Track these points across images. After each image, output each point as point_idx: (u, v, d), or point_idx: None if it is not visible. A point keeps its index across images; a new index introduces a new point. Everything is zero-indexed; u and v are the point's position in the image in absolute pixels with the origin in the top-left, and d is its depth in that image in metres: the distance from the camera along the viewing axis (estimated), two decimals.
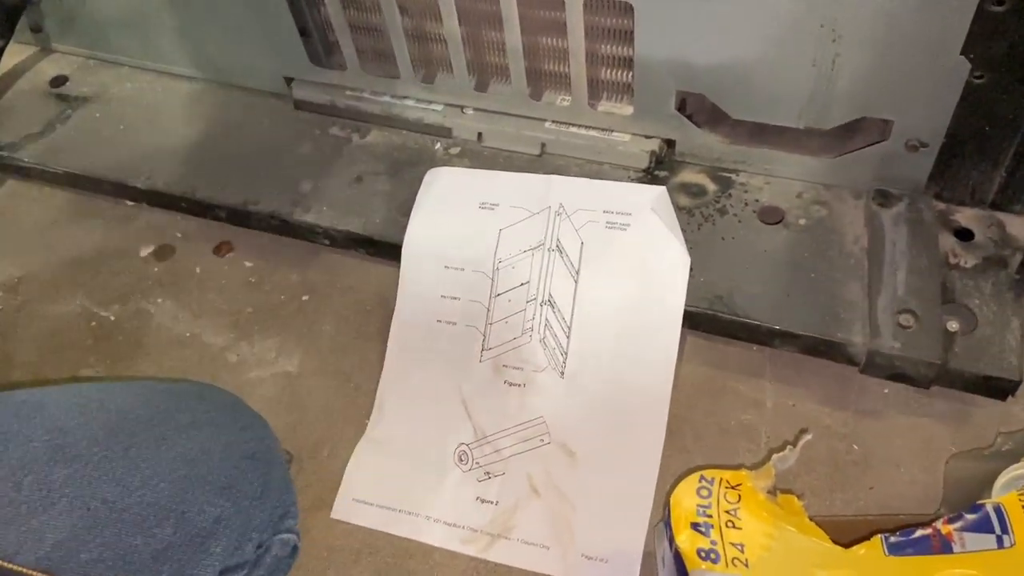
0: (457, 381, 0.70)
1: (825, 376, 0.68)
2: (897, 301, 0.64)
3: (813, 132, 0.68)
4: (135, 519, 0.47)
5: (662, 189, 0.69)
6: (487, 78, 0.79)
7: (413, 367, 0.72)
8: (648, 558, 0.61)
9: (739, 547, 0.50)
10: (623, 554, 0.61)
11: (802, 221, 0.71)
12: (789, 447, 0.52)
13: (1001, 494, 0.52)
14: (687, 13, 0.64)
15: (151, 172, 0.83)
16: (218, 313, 0.79)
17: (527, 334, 0.69)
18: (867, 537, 0.50)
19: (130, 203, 0.86)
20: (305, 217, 0.77)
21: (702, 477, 0.52)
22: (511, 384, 0.69)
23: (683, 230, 0.69)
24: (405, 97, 0.82)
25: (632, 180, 0.75)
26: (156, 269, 0.83)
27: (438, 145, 0.81)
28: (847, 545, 0.51)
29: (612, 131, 0.76)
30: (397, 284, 0.74)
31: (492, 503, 0.66)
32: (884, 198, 0.69)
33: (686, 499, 0.52)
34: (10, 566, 0.43)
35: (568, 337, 0.68)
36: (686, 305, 0.66)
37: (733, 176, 0.74)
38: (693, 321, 0.68)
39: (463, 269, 0.72)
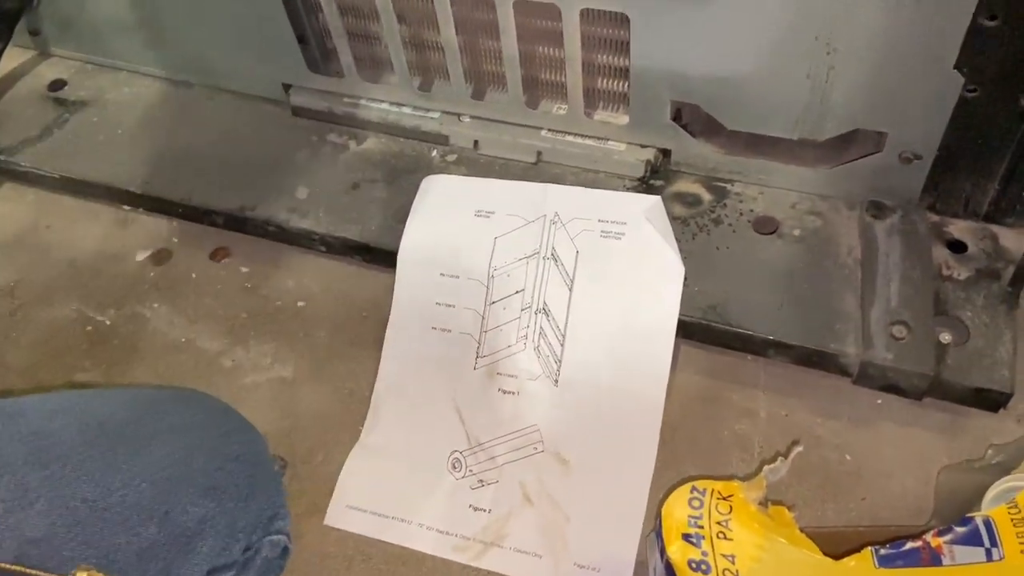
0: (451, 388, 0.70)
1: (819, 386, 0.68)
2: (890, 312, 0.64)
3: (808, 143, 0.69)
4: (117, 518, 0.47)
5: (657, 199, 0.70)
6: (484, 86, 0.79)
7: (408, 374, 0.72)
8: (640, 567, 0.61)
9: (730, 558, 0.51)
10: (615, 563, 0.62)
11: (796, 232, 0.71)
12: (780, 458, 0.52)
13: (991, 507, 0.52)
14: (682, 24, 0.64)
15: (148, 177, 0.83)
16: (214, 318, 0.79)
17: (521, 342, 0.69)
18: (857, 549, 0.50)
19: (127, 208, 0.87)
20: (301, 224, 0.78)
21: (694, 488, 0.53)
22: (505, 392, 0.69)
23: (678, 239, 0.69)
24: (402, 104, 0.82)
25: (628, 189, 0.76)
26: (152, 274, 0.83)
27: (435, 152, 0.81)
28: (838, 557, 0.51)
29: (608, 140, 0.76)
30: (392, 291, 0.74)
31: (485, 511, 0.66)
32: (878, 209, 0.69)
33: (678, 510, 0.52)
34: None
35: (562, 345, 0.68)
36: (680, 314, 0.67)
37: (728, 186, 0.75)
38: (687, 330, 0.68)
39: (458, 276, 0.73)
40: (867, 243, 0.68)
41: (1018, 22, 0.54)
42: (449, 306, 0.72)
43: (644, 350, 0.67)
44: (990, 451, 0.61)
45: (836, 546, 0.51)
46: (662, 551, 0.52)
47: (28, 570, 0.43)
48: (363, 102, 0.83)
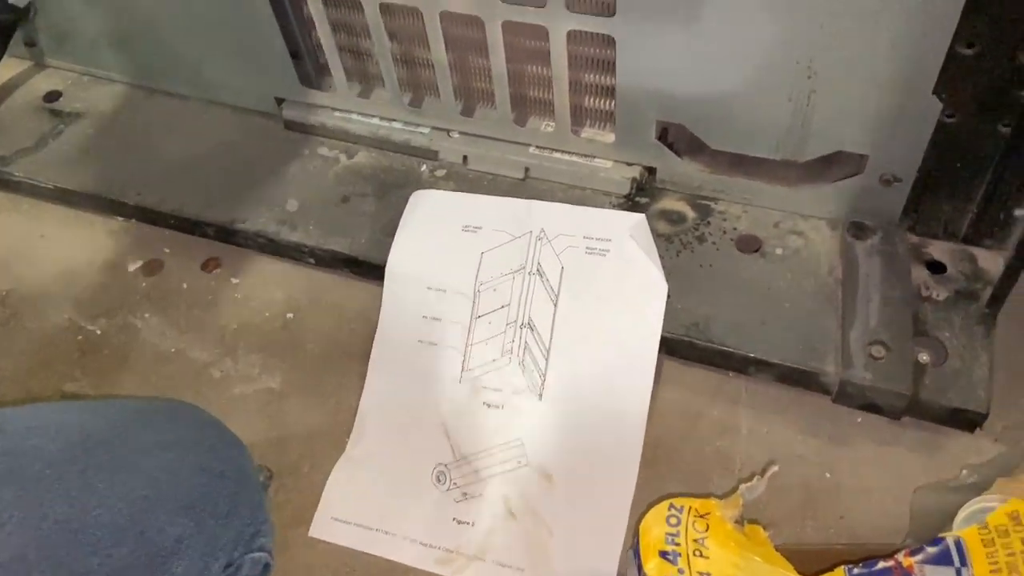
0: (437, 401, 0.71)
1: (799, 404, 0.69)
2: (869, 332, 0.65)
3: (790, 164, 0.70)
4: (90, 539, 0.47)
5: (641, 216, 0.71)
6: (473, 103, 0.80)
7: (394, 386, 0.73)
8: None
9: None
10: None
11: (779, 251, 0.72)
12: (757, 477, 0.53)
13: (962, 527, 0.52)
14: (667, 46, 0.65)
15: (141, 189, 0.84)
16: (204, 329, 0.80)
17: (507, 356, 0.70)
18: (831, 568, 0.51)
19: (119, 218, 0.87)
20: (291, 236, 0.79)
21: (671, 505, 0.53)
22: (490, 406, 0.70)
23: (662, 257, 0.70)
24: (392, 120, 0.83)
25: (614, 206, 0.77)
26: (144, 284, 0.84)
27: (424, 167, 0.82)
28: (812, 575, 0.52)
29: (594, 158, 0.77)
30: (380, 303, 0.75)
31: (469, 524, 0.66)
32: (859, 230, 0.70)
33: (655, 527, 0.53)
34: None
35: (547, 360, 0.69)
36: (664, 331, 0.68)
37: (712, 204, 0.76)
38: (670, 347, 0.69)
39: (445, 290, 0.74)
40: (848, 263, 0.69)
41: (994, 51, 0.55)
42: (435, 319, 0.73)
43: (628, 366, 0.68)
44: (964, 471, 0.62)
45: (810, 564, 0.52)
46: (639, 568, 0.53)
47: None
48: (354, 116, 0.84)
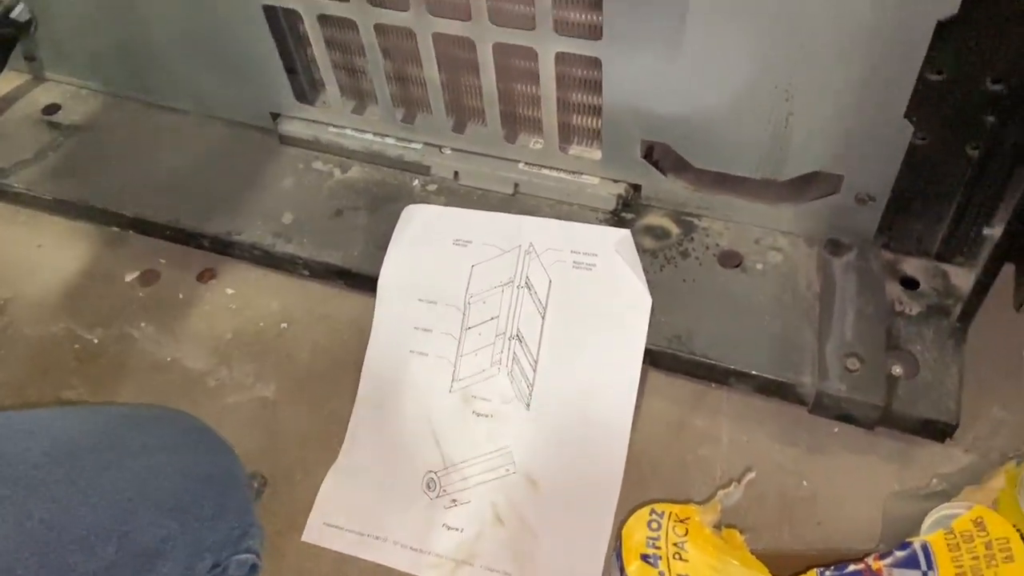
0: (427, 410, 0.73)
1: (778, 414, 0.71)
2: (845, 345, 0.67)
3: (770, 183, 0.72)
4: (75, 539, 0.47)
5: (626, 232, 0.73)
6: (464, 120, 0.82)
7: (385, 395, 0.75)
8: None
9: None
10: None
11: (759, 266, 0.74)
12: (735, 484, 0.56)
13: (929, 533, 0.55)
14: (651, 69, 0.67)
15: (139, 201, 0.85)
16: (199, 338, 0.82)
17: (496, 367, 0.72)
18: (804, 571, 0.53)
19: (116, 229, 0.89)
20: (286, 248, 0.81)
21: (653, 511, 0.56)
22: (479, 415, 0.72)
23: (646, 271, 0.73)
24: (386, 135, 0.85)
25: (600, 221, 0.79)
26: (141, 294, 0.86)
27: (416, 182, 0.84)
28: None
29: (582, 174, 0.80)
30: (372, 314, 0.77)
31: (458, 530, 0.68)
32: (835, 246, 0.73)
33: (637, 531, 0.55)
34: None
35: (534, 371, 0.71)
36: (648, 343, 0.70)
37: (695, 220, 0.78)
38: (654, 359, 0.71)
39: (436, 302, 0.76)
40: (825, 278, 0.72)
41: (961, 77, 0.58)
42: (426, 331, 0.75)
43: (613, 377, 0.70)
44: (935, 480, 0.64)
45: (785, 568, 0.54)
46: (622, 570, 0.55)
47: None
48: (348, 132, 0.86)
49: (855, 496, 0.67)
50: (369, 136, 0.85)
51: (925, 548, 0.52)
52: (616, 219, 0.79)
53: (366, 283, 0.78)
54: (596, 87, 0.72)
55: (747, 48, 0.63)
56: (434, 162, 0.84)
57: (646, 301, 0.70)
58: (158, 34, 0.85)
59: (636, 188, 0.79)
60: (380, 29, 0.75)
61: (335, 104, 0.85)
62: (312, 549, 0.68)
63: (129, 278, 0.87)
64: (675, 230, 0.78)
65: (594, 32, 0.67)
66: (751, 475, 0.56)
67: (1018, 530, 0.52)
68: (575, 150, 0.79)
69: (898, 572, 0.52)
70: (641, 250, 0.74)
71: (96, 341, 0.82)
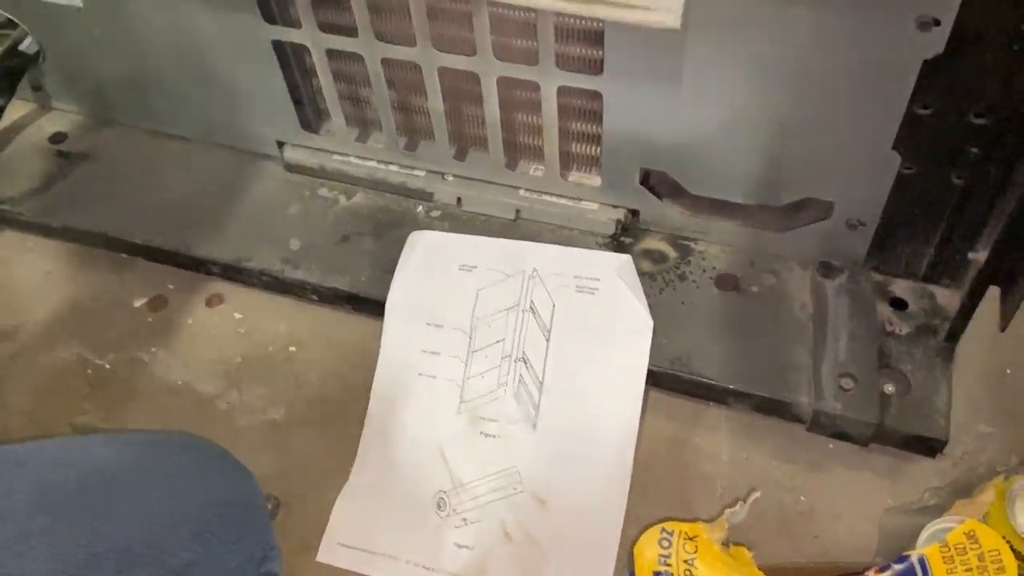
0: (436, 432, 0.75)
1: (776, 431, 0.74)
2: (839, 365, 0.70)
3: (764, 208, 0.75)
4: (111, 563, 0.49)
5: (628, 257, 0.76)
6: (466, 147, 0.84)
7: (394, 417, 0.77)
8: None
9: None
10: None
11: (754, 288, 0.77)
12: (740, 503, 0.58)
13: (925, 546, 0.58)
14: (650, 101, 0.70)
15: (149, 228, 0.87)
16: (209, 362, 0.84)
17: (502, 388, 0.75)
18: None
19: (124, 255, 0.90)
20: (295, 274, 0.82)
21: (663, 529, 0.58)
22: (487, 435, 0.74)
23: (646, 294, 0.75)
24: (390, 163, 0.87)
25: (600, 246, 0.81)
26: (150, 319, 0.87)
27: (420, 208, 0.87)
28: None
29: (581, 200, 0.82)
30: (380, 338, 0.79)
31: (468, 548, 0.70)
32: (827, 269, 0.76)
33: (648, 549, 0.57)
34: None
35: (540, 392, 0.74)
36: (649, 364, 0.72)
37: (692, 244, 0.81)
38: (655, 379, 0.73)
39: (443, 326, 0.78)
40: (818, 300, 0.75)
41: (946, 112, 0.61)
42: (434, 353, 0.77)
43: (616, 397, 0.72)
44: (927, 493, 0.67)
45: None
46: None
47: None
48: (352, 159, 0.88)
49: (850, 511, 0.70)
50: (373, 164, 0.88)
51: (922, 561, 0.55)
52: (615, 243, 0.82)
53: (373, 307, 0.80)
54: (596, 117, 0.75)
55: (742, 82, 0.66)
56: (437, 189, 0.86)
57: (648, 324, 0.73)
58: (165, 66, 0.87)
59: (634, 213, 0.82)
60: (387, 62, 0.77)
61: (340, 133, 0.87)
62: (326, 569, 0.70)
63: (138, 304, 0.89)
64: (672, 254, 0.80)
65: (595, 67, 0.70)
66: (756, 495, 0.58)
67: (1008, 542, 0.55)
68: (575, 177, 0.82)
69: None
70: (640, 273, 0.77)
71: (107, 366, 0.84)
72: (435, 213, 0.86)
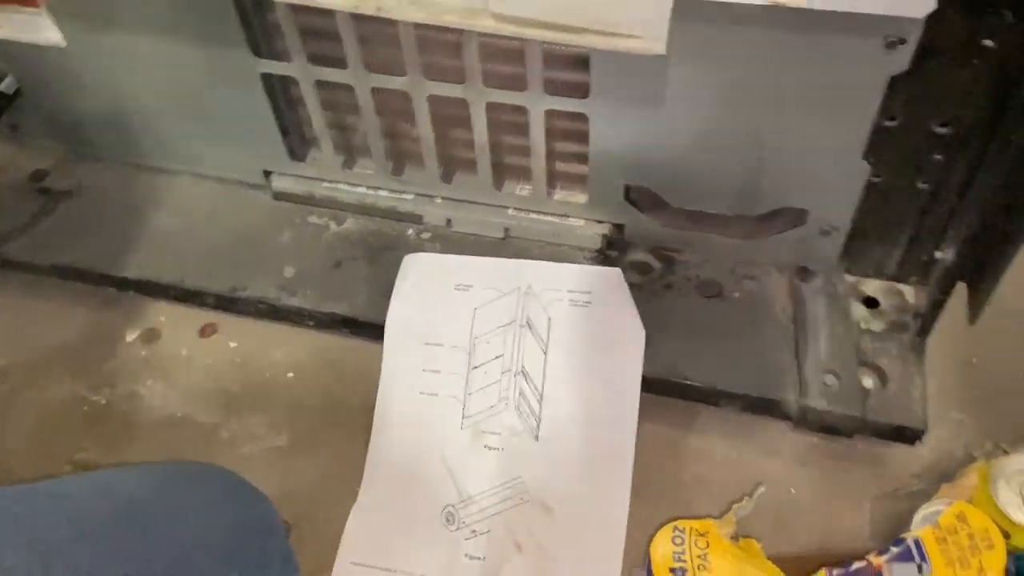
0: (440, 447, 0.77)
1: (765, 428, 0.77)
2: (821, 363, 0.75)
3: (743, 218, 0.79)
4: None
5: (617, 271, 0.79)
6: (454, 170, 0.87)
7: (399, 436, 0.78)
8: None
9: None
10: None
11: (736, 294, 0.81)
12: (747, 498, 0.61)
13: (918, 528, 0.62)
14: (634, 122, 0.73)
15: (140, 262, 0.87)
16: (207, 392, 0.84)
17: (503, 402, 0.77)
18: (814, 570, 0.59)
19: (113, 290, 0.90)
20: (291, 301, 0.84)
21: (675, 527, 0.61)
22: (490, 448, 0.76)
23: (635, 304, 0.78)
24: (379, 188, 0.89)
25: (587, 260, 0.84)
26: (144, 352, 0.87)
27: (411, 230, 0.88)
28: None
29: (568, 217, 0.85)
30: (379, 359, 0.80)
31: (480, 559, 0.72)
32: (804, 273, 0.80)
33: (662, 547, 0.60)
34: None
35: (540, 404, 0.76)
36: (643, 372, 0.75)
37: (675, 255, 0.84)
38: (648, 385, 0.76)
39: (442, 345, 0.80)
40: (797, 303, 0.79)
41: (911, 123, 0.66)
42: (435, 372, 0.80)
43: (614, 405, 0.75)
44: (912, 480, 0.72)
45: (798, 570, 0.60)
46: None
47: None
48: (341, 186, 0.89)
49: (838, 499, 0.74)
50: (362, 189, 0.89)
51: (917, 543, 0.59)
52: (602, 257, 0.85)
53: (371, 330, 0.82)
54: (582, 137, 0.78)
55: (722, 104, 0.69)
56: (426, 211, 0.88)
57: (640, 333, 0.76)
58: (149, 101, 0.87)
59: (619, 228, 0.85)
60: (376, 91, 0.79)
61: (327, 160, 0.88)
62: None
63: (130, 337, 0.89)
64: (657, 265, 0.84)
65: (581, 90, 0.73)
66: (761, 489, 0.62)
67: (994, 520, 0.59)
68: (561, 195, 0.85)
69: (896, 566, 0.58)
70: (628, 285, 0.80)
71: (103, 402, 0.84)
72: (426, 235, 0.88)
